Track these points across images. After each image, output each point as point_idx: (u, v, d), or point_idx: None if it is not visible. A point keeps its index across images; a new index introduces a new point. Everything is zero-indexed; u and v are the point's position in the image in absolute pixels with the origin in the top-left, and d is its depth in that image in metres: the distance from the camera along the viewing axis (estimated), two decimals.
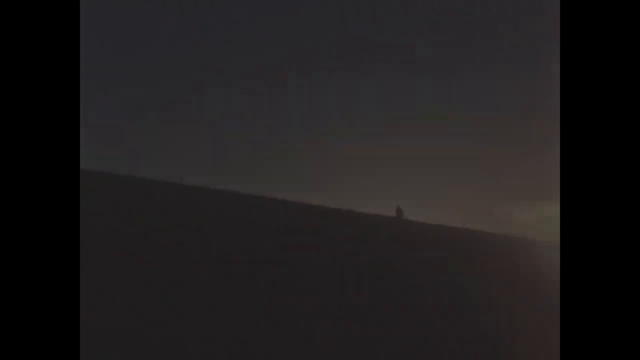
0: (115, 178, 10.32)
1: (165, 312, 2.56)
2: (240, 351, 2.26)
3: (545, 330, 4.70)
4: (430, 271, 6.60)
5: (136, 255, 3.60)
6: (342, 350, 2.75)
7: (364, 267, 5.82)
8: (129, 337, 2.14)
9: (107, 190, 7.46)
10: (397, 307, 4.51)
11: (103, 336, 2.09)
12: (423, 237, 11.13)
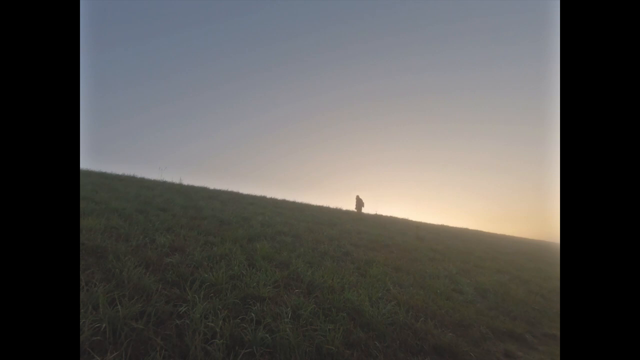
0: (115, 178, 10.31)
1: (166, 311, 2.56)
2: None
3: None
4: None
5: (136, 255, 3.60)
6: None
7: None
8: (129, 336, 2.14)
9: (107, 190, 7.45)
10: None
11: (102, 336, 2.08)
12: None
